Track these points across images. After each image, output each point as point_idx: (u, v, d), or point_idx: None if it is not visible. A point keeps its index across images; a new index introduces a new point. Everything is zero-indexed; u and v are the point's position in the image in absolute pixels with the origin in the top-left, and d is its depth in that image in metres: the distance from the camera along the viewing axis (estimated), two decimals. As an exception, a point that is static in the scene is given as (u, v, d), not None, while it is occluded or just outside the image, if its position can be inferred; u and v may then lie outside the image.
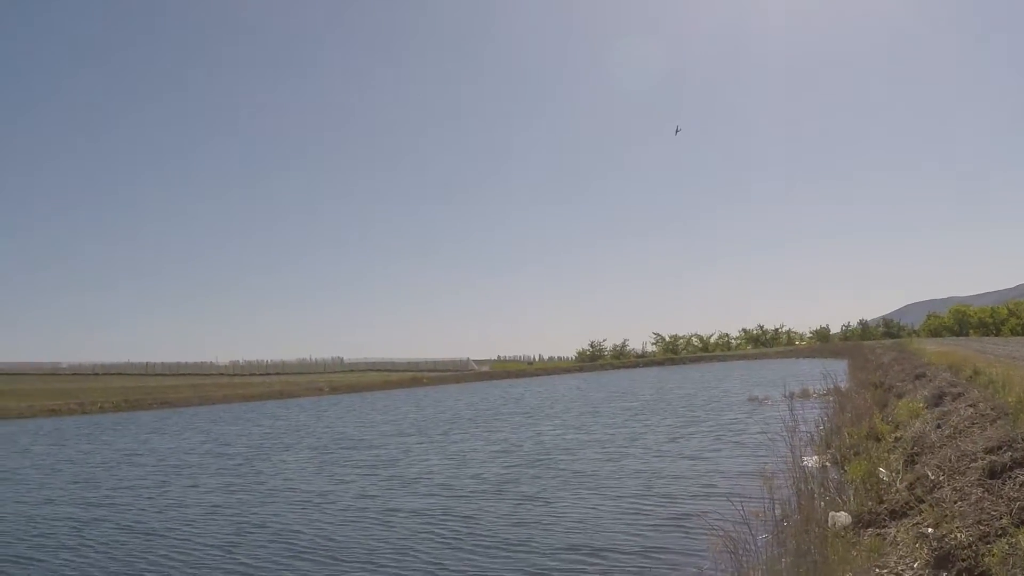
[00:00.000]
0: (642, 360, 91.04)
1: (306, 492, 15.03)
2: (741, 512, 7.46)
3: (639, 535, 9.58)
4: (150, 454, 24.42)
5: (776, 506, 7.77)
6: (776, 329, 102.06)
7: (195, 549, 10.77)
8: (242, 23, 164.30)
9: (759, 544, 6.69)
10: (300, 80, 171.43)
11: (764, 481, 10.37)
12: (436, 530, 10.91)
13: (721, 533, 7.14)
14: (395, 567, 9.11)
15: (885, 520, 6.96)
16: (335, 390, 65.03)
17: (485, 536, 10.34)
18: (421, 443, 22.90)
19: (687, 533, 9.37)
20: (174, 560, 10.19)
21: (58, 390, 66.39)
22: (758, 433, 16.47)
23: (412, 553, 9.67)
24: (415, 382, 74.52)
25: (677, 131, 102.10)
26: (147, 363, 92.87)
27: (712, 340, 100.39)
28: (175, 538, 11.61)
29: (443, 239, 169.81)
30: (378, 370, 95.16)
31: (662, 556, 8.50)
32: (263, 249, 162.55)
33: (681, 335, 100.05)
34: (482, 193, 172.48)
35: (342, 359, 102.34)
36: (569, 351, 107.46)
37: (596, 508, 11.54)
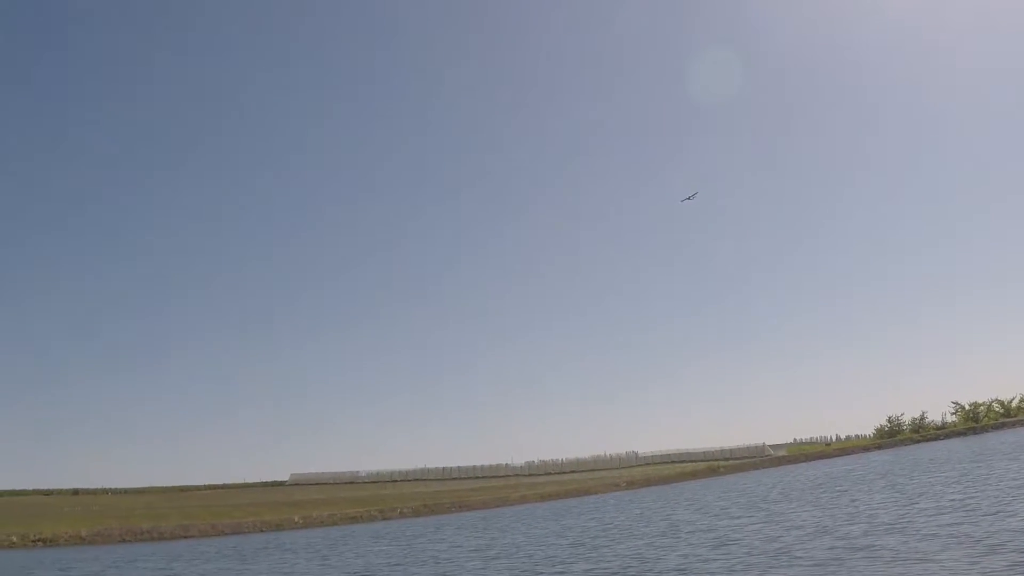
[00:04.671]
0: (942, 432, 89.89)
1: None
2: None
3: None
4: (503, 548, 27.81)
5: None
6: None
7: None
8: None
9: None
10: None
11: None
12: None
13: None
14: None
15: None
16: (631, 484, 67.75)
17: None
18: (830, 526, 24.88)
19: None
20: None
21: (357, 498, 73.51)
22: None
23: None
24: (712, 471, 75.92)
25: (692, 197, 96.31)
26: (443, 468, 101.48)
27: (1014, 404, 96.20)
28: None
29: (731, 326, 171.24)
30: (673, 461, 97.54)
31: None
32: (557, 348, 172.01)
33: (981, 402, 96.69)
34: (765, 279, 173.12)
35: (636, 453, 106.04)
36: (865, 428, 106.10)
37: None
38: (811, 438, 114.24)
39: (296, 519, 57.75)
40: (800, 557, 16.97)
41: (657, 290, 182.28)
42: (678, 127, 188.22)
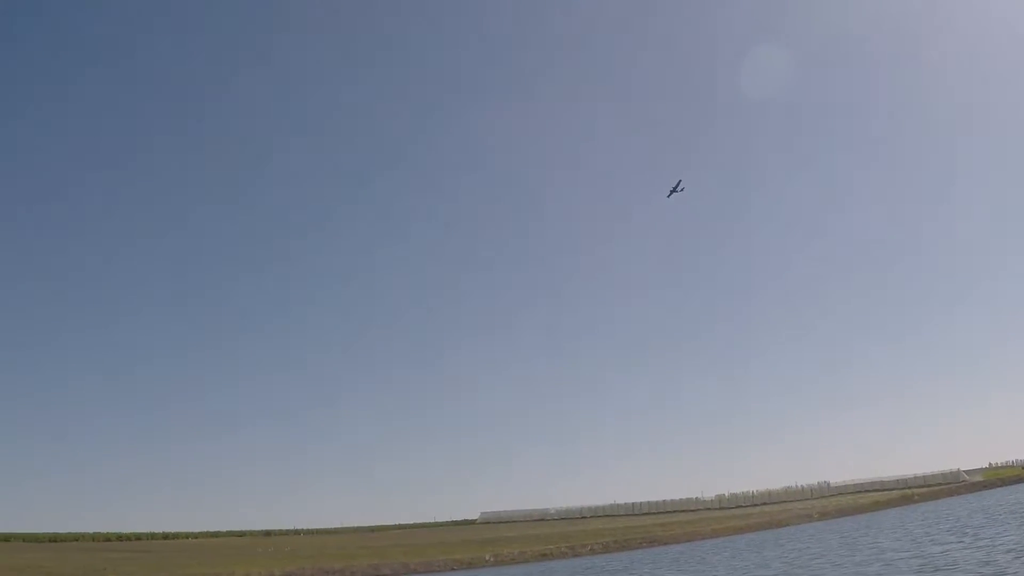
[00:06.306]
0: None
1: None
2: None
3: None
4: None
5: None
6: None
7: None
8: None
9: None
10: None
11: None
12: None
13: None
14: None
15: None
16: (824, 515, 67.88)
17: None
18: None
19: None
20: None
21: (546, 535, 75.48)
22: None
23: None
24: (906, 500, 74.99)
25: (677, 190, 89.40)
26: (632, 503, 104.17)
27: None
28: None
29: (923, 354, 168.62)
30: (865, 491, 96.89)
31: None
32: (739, 383, 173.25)
33: None
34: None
35: (828, 483, 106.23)
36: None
37: None
38: (1007, 462, 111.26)
39: (487, 557, 59.39)
40: (1015, 579, 18.42)
41: (847, 324, 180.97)
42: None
